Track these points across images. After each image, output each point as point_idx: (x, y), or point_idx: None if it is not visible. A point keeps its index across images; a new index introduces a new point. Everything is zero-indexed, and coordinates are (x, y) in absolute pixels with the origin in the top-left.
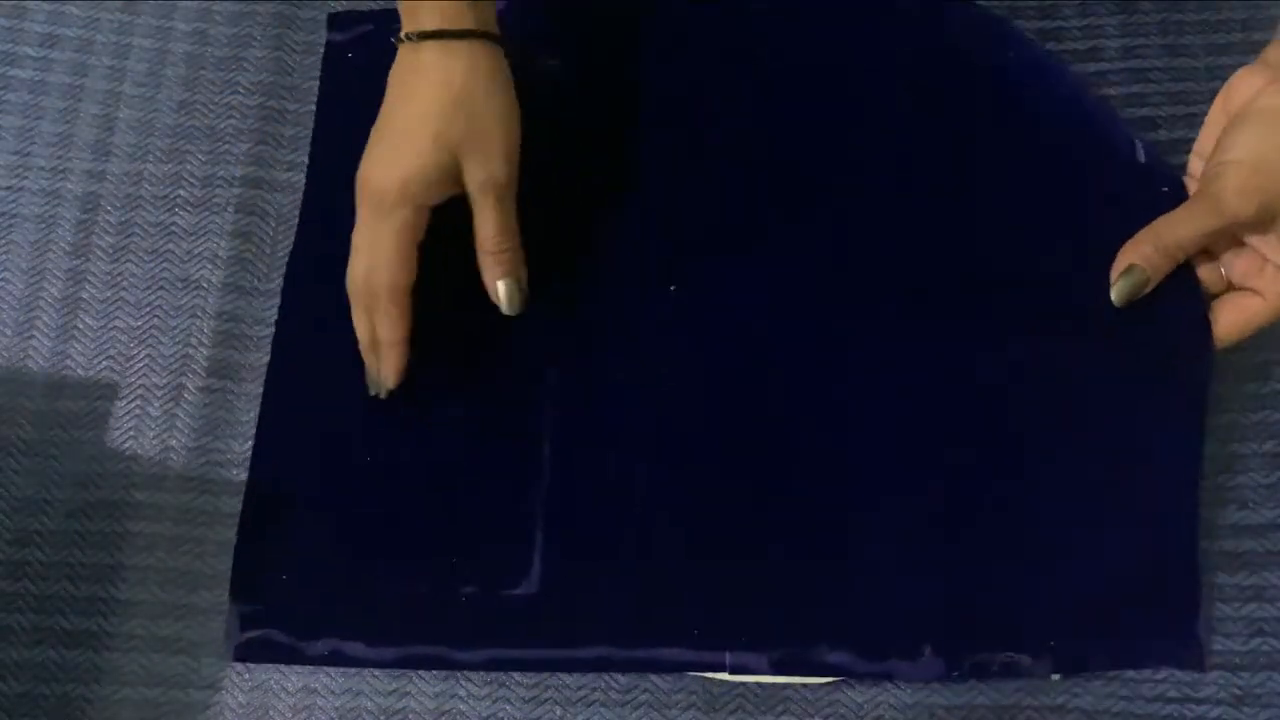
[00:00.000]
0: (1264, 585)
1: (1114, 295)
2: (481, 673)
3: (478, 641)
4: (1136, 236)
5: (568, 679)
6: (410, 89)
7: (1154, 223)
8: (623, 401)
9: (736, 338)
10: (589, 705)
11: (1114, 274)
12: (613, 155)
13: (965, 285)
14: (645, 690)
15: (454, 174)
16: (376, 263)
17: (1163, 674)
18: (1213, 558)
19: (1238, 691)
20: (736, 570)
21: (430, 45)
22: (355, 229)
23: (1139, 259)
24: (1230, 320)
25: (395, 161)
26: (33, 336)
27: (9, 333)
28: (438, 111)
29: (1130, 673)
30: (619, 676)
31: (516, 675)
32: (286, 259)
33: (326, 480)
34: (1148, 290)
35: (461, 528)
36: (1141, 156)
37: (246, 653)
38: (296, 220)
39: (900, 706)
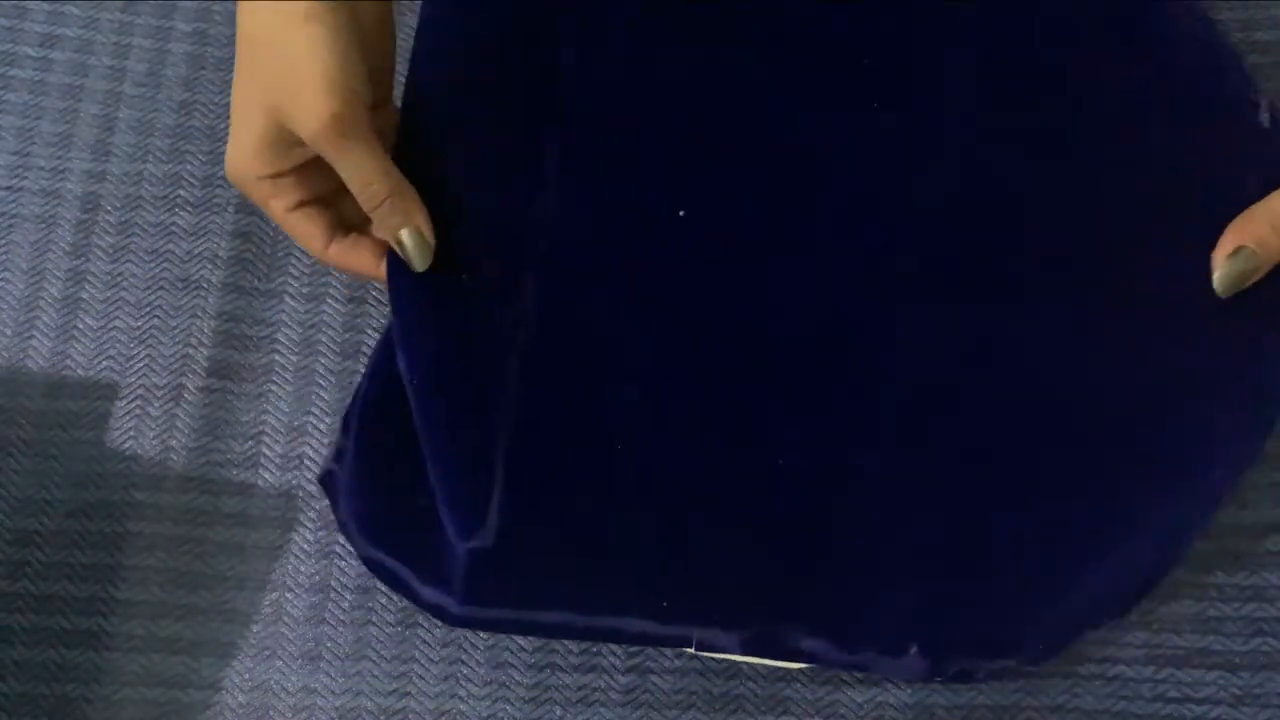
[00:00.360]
0: (1264, 585)
1: (1217, 281)
2: (481, 672)
3: (444, 589)
4: (1248, 213)
5: (567, 679)
6: (238, 39)
7: (1271, 197)
8: (603, 324)
9: (735, 270)
10: (589, 705)
11: (1218, 256)
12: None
13: (1010, 246)
14: (646, 690)
15: (289, 134)
16: (301, 241)
17: (1163, 674)
18: (1212, 557)
19: (1237, 691)
20: (714, 540)
21: None
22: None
23: (1252, 240)
24: None
25: (232, 144)
26: (32, 337)
27: (9, 333)
28: (249, 68)
29: (1130, 672)
30: (620, 676)
31: (516, 675)
32: (287, 259)
33: None
34: (1258, 278)
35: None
36: (1265, 120)
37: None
38: None
39: (900, 706)
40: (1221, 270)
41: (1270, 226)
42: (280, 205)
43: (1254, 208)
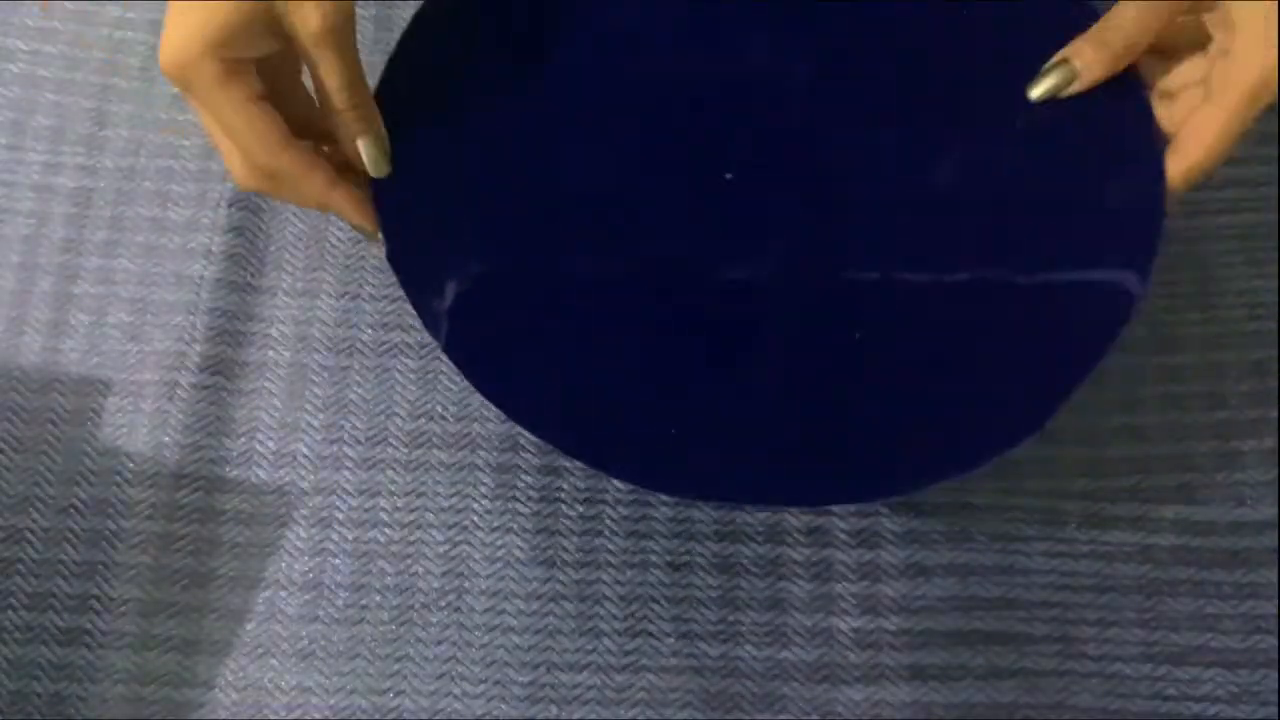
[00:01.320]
0: (1261, 582)
1: (1033, 90)
2: (476, 670)
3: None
4: (1078, 37)
5: (563, 677)
6: None
7: (1104, 19)
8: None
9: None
10: (585, 704)
11: (1045, 68)
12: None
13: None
14: (642, 689)
15: (271, 24)
16: (253, 148)
17: (1160, 671)
18: (1209, 555)
19: (1235, 689)
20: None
21: None
22: (205, 126)
23: (1073, 54)
24: (1185, 142)
25: (189, 23)
26: (24, 332)
27: (0, 328)
28: None
29: (1127, 670)
30: (615, 674)
31: (512, 673)
32: (280, 255)
33: None
34: (1074, 89)
35: None
36: None
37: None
38: (290, 214)
39: (898, 705)
40: (1039, 82)
41: (1092, 45)
42: (240, 94)
43: (1090, 30)
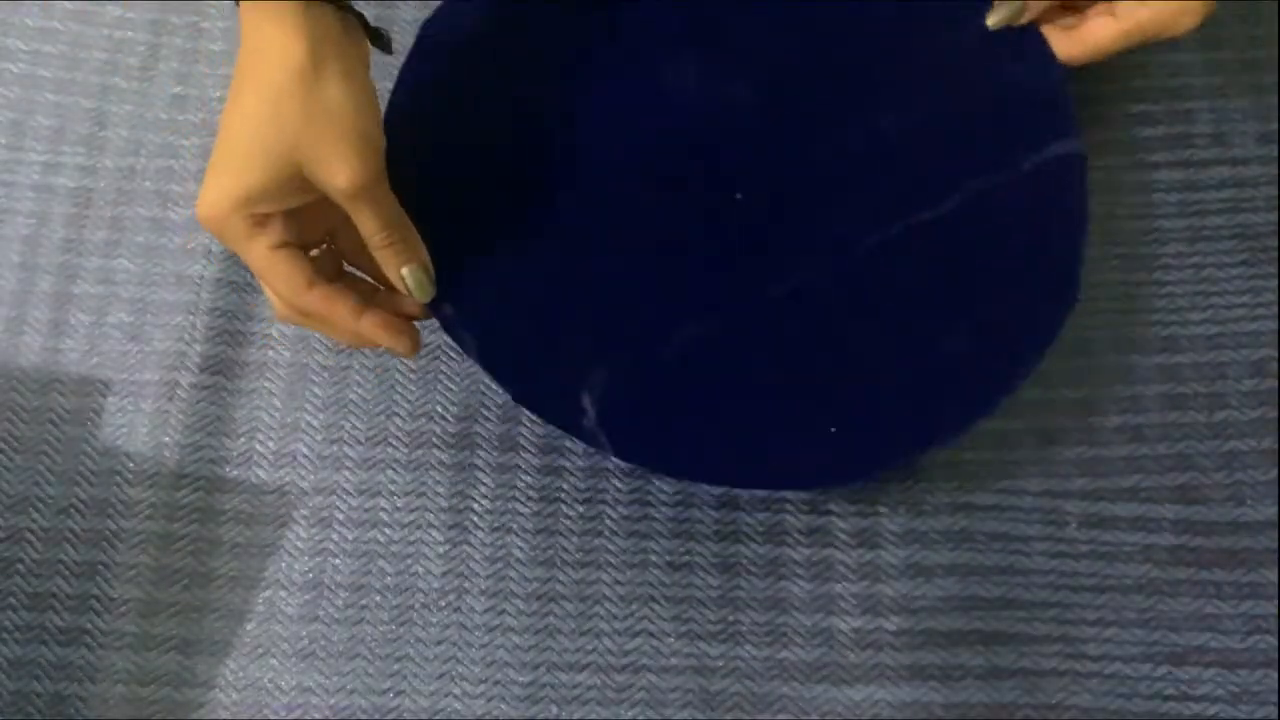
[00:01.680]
0: (1261, 582)
1: (990, 18)
2: (476, 670)
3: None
4: None
5: (563, 677)
6: (243, 78)
7: None
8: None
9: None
10: (584, 704)
11: (995, 5)
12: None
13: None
14: (642, 689)
15: (300, 183)
16: (280, 291)
17: (1160, 671)
18: (1209, 555)
19: (1235, 689)
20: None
21: (267, 12)
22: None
23: None
24: (1079, 38)
25: (223, 184)
26: (24, 333)
27: (0, 328)
28: (269, 113)
29: (1128, 670)
30: (615, 674)
31: (512, 673)
32: None
33: None
34: (1022, 20)
35: None
36: None
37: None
38: None
39: (899, 705)
40: (994, 12)
41: None
42: (265, 244)
43: None
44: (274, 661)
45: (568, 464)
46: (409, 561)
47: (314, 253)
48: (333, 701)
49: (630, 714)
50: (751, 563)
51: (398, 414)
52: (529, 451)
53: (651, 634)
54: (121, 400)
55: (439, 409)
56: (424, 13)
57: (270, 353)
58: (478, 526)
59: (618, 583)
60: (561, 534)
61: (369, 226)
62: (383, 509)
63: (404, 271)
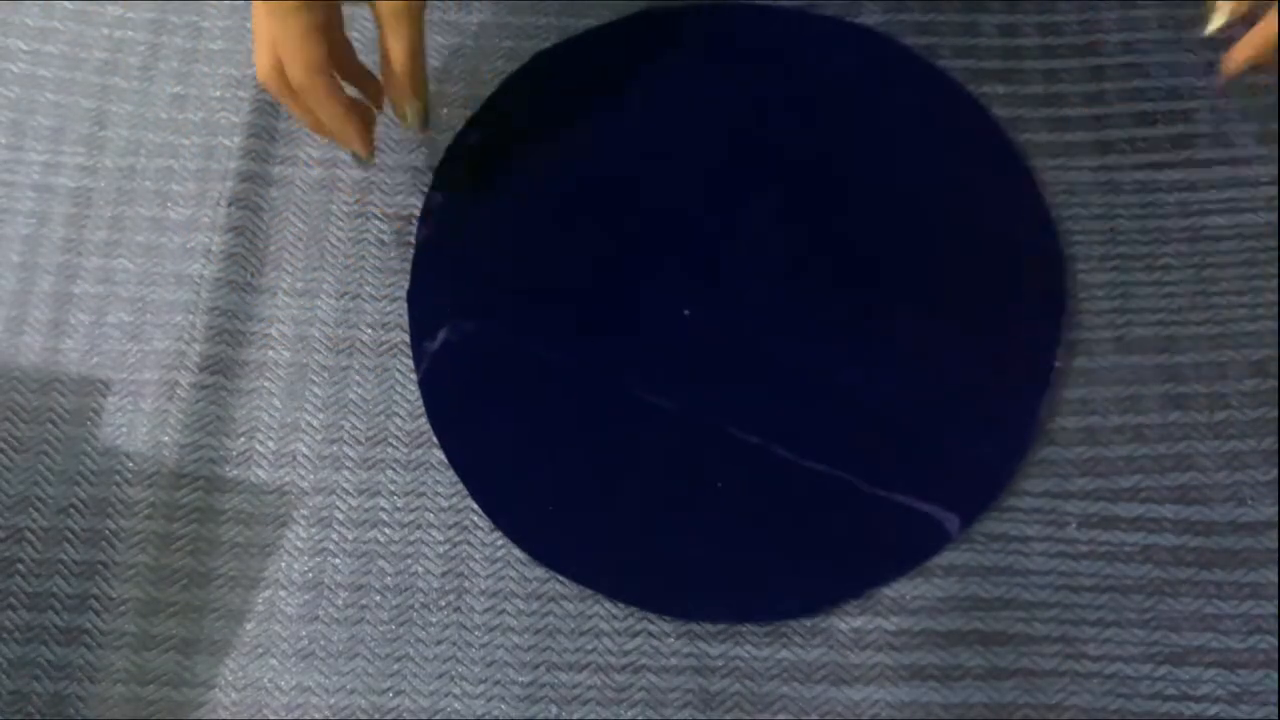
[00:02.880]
0: (1261, 582)
1: (1210, 26)
2: (476, 670)
3: None
4: None
5: (563, 677)
6: None
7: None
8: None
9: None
10: (584, 704)
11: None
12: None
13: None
14: (641, 689)
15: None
16: (285, 56)
17: (1161, 672)
18: (1210, 555)
19: (1235, 689)
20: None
21: None
22: (253, 17)
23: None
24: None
25: (283, 31)
26: (24, 332)
27: (0, 329)
28: None
29: (1128, 670)
30: (615, 675)
31: (511, 673)
32: (280, 254)
33: None
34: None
35: None
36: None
37: None
38: (290, 214)
39: (897, 704)
40: (1214, 19)
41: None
42: (309, 19)
43: None
44: (273, 661)
45: None
46: (409, 561)
47: None
48: (332, 701)
49: (630, 714)
50: None
51: (398, 414)
52: None
53: (651, 634)
54: (121, 400)
55: None
56: None
57: (270, 353)
58: (477, 526)
59: None
60: None
61: (399, 48)
62: (383, 509)
63: (409, 106)
